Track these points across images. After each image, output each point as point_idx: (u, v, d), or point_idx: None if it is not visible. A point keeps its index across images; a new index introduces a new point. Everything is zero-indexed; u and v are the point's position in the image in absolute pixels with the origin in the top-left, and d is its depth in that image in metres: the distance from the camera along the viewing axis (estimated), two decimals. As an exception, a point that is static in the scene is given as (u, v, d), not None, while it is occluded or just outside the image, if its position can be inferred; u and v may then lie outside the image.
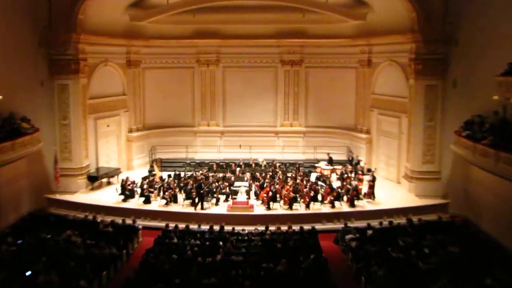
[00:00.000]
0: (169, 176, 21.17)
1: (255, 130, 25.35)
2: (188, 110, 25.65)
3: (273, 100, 25.45)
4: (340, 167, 21.55)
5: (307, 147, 25.05)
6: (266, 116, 25.47)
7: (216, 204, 17.97)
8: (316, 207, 17.78)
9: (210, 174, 20.72)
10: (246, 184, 19.05)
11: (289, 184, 18.73)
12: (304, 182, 18.91)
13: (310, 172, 21.92)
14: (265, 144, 24.94)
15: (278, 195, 18.13)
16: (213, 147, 25.11)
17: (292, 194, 17.93)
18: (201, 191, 17.28)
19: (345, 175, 20.00)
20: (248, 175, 20.55)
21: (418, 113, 19.50)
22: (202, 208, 17.14)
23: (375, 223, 15.89)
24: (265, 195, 17.96)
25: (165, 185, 18.68)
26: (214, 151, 25.03)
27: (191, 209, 17.46)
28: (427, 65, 19.07)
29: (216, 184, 18.69)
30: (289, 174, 21.21)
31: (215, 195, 18.38)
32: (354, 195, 17.82)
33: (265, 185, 18.87)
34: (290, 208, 17.64)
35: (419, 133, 19.51)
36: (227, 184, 19.12)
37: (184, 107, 25.54)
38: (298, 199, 17.84)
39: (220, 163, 23.14)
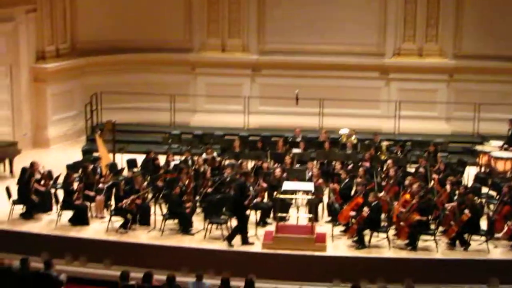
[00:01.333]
0: (131, 164, 21.55)
1: (334, 63, 25.95)
2: (177, 13, 26.28)
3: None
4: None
5: (457, 105, 25.52)
6: (359, 32, 26.00)
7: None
8: (476, 247, 17.77)
9: (227, 162, 21.30)
10: (310, 186, 18.99)
11: (411, 190, 18.70)
12: (448, 188, 19.08)
13: (463, 164, 21.93)
14: (356, 95, 25.49)
15: (384, 215, 18.45)
16: (234, 99, 25.85)
17: (417, 216, 17.79)
18: (245, 203, 17.79)
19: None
20: (314, 166, 20.84)
21: None
22: (246, 241, 17.70)
23: None
24: (353, 213, 18.14)
25: (122, 184, 19.08)
26: (236, 110, 25.81)
27: (180, 240, 17.93)
28: None
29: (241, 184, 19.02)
30: (410, 169, 21.25)
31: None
32: None
33: (353, 191, 19.19)
34: (413, 245, 17.72)
35: None
36: (264, 185, 19.39)
37: (168, 6, 26.17)
38: (432, 227, 18.07)
39: (250, 138, 23.63)
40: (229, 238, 17.73)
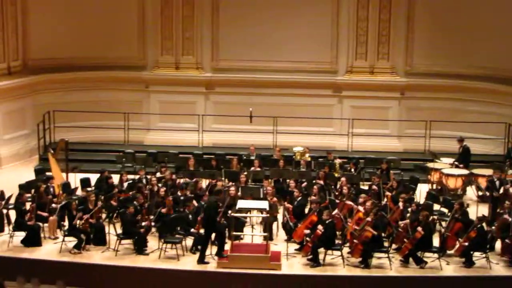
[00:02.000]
0: (84, 183, 21.52)
1: (287, 80, 26.20)
2: (130, 31, 26.42)
3: (328, 9, 26.01)
4: (487, 172, 21.87)
5: (408, 123, 25.86)
6: (312, 50, 26.21)
7: (193, 250, 18.37)
8: (428, 264, 17.84)
9: (181, 181, 21.33)
10: (264, 205, 19.06)
11: (364, 208, 18.86)
12: (401, 205, 19.21)
13: (415, 181, 22.12)
14: (309, 113, 25.68)
15: (338, 233, 18.54)
16: (188, 118, 25.96)
17: (370, 231, 17.88)
18: (217, 220, 17.90)
19: (501, 191, 20.30)
20: (268, 184, 21.00)
21: None
22: (203, 260, 17.71)
23: None
24: (307, 231, 18.12)
25: (75, 203, 18.95)
26: (190, 128, 25.94)
27: (135, 260, 17.87)
28: None
29: (195, 204, 19.23)
30: (364, 186, 21.43)
31: (192, 230, 18.52)
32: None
33: (307, 209, 19.25)
34: (365, 263, 17.74)
35: None
36: (219, 204, 19.22)
37: (121, 23, 26.28)
38: (386, 244, 18.09)
39: (204, 156, 23.69)
40: (200, 259, 17.74)
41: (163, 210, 18.65)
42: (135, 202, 18.78)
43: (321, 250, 17.86)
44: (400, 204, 19.17)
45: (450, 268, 17.79)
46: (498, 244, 18.43)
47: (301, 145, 23.91)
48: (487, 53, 25.16)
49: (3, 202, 19.33)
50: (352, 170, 22.36)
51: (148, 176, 21.18)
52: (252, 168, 22.20)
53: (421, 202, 20.09)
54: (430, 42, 25.78)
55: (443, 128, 25.19)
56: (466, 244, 17.86)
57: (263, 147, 24.54)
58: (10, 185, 20.83)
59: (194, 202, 19.34)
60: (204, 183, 21.46)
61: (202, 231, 18.53)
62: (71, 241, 18.26)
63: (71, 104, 25.40)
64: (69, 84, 25.85)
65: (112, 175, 21.27)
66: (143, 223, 18.29)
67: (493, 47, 25.10)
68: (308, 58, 26.12)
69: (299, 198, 19.66)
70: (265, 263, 17.49)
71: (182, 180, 21.40)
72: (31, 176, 22.00)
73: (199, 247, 18.28)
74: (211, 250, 18.05)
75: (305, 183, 21.21)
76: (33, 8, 25.34)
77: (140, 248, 18.15)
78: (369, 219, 17.96)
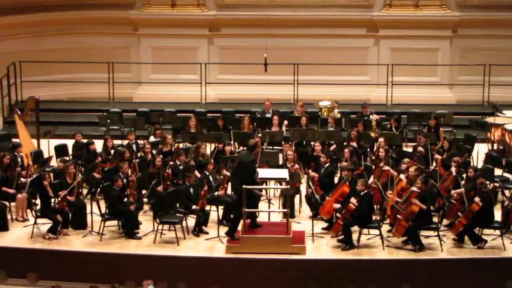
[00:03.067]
0: (60, 151, 21.50)
1: (310, 18, 26.26)
2: None
3: None
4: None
5: (463, 68, 25.84)
6: None
7: (196, 231, 18.53)
8: (488, 243, 17.82)
9: (181, 145, 21.50)
10: (284, 174, 19.12)
11: (408, 175, 18.82)
12: (454, 171, 19.15)
13: (472, 140, 22.05)
14: (338, 58, 25.70)
15: (376, 207, 18.62)
16: (188, 68, 26.05)
17: (416, 204, 17.84)
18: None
19: None
20: (288, 148, 21.01)
21: None
22: (232, 233, 17.72)
23: None
24: (337, 205, 18.25)
25: (47, 176, 18.88)
26: (190, 80, 25.98)
27: (124, 246, 17.93)
28: None
29: (197, 175, 19.37)
30: (407, 148, 21.62)
31: (194, 207, 18.55)
32: None
33: (336, 177, 19.51)
34: (417, 242, 17.77)
35: None
36: (227, 174, 19.56)
37: None
38: (435, 220, 18.18)
39: (208, 115, 23.93)
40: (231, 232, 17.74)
41: (159, 188, 18.66)
42: (120, 174, 18.80)
43: (355, 228, 17.88)
44: (453, 169, 19.13)
45: (521, 252, 17.75)
46: None
47: (329, 98, 23.92)
48: None
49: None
50: (393, 128, 22.33)
51: (139, 141, 21.18)
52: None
53: (479, 167, 20.07)
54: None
55: (505, 73, 25.24)
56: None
57: (281, 102, 24.67)
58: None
59: (196, 172, 19.34)
60: (209, 148, 21.42)
61: (207, 207, 18.67)
62: (45, 224, 18.21)
63: (42, 53, 25.52)
64: (40, 28, 25.86)
65: (95, 141, 21.19)
66: (131, 198, 18.29)
67: None
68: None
69: (327, 165, 19.67)
70: (286, 246, 17.52)
71: (182, 145, 21.38)
72: (-5, 145, 22.02)
73: (203, 227, 18.39)
74: (219, 230, 18.02)
75: (334, 146, 21.26)
76: None
77: (130, 230, 18.13)
78: (414, 189, 17.93)
